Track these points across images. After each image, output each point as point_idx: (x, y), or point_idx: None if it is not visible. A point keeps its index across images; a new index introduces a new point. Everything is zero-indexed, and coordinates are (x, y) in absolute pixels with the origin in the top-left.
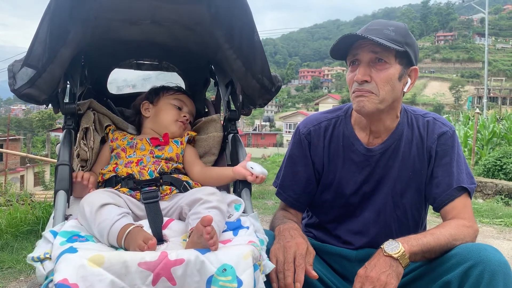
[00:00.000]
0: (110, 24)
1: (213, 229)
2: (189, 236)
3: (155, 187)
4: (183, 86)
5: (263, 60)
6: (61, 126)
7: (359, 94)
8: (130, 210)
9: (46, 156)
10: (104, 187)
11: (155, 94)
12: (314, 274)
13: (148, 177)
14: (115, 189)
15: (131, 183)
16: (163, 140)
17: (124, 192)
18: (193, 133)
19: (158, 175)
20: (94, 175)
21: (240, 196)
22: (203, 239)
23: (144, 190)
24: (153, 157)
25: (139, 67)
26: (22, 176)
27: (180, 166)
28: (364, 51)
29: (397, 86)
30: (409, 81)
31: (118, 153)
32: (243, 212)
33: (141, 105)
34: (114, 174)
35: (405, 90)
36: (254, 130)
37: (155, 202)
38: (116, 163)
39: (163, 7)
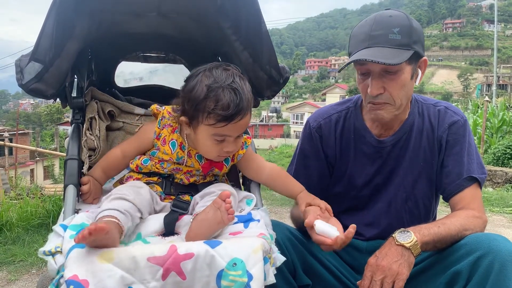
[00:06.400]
0: (116, 17)
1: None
2: (193, 220)
3: (188, 198)
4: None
5: (271, 51)
6: (69, 119)
7: (375, 108)
8: (153, 207)
9: (55, 149)
10: (135, 172)
11: (195, 111)
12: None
13: (187, 184)
14: (149, 180)
15: (169, 187)
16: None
17: (156, 191)
18: (243, 151)
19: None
20: (98, 188)
21: (249, 189)
22: (220, 212)
23: (178, 198)
24: (202, 172)
25: (146, 59)
26: (32, 170)
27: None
28: (373, 63)
29: (410, 86)
30: (420, 72)
31: (164, 160)
32: (254, 206)
33: (179, 119)
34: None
35: (416, 83)
36: (261, 121)
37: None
38: (159, 165)
39: None
